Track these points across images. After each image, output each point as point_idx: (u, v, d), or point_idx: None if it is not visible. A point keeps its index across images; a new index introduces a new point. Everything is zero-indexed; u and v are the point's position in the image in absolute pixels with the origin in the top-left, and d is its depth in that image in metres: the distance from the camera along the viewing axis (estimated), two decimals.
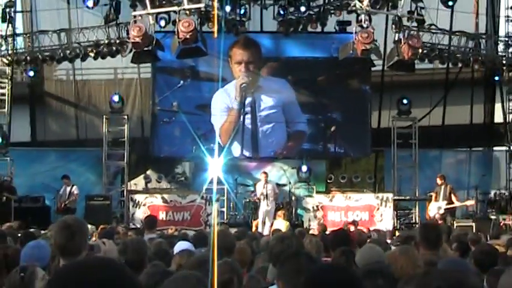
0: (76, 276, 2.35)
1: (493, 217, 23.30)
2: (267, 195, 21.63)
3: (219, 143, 23.81)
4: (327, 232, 14.84)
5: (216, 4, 22.07)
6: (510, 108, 26.29)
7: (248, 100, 24.71)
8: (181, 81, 24.66)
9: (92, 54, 23.58)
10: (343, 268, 3.54)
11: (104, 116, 24.57)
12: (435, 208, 21.94)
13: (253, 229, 20.51)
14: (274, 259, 6.51)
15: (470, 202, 23.71)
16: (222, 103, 24.81)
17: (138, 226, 18.81)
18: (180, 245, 8.34)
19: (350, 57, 20.98)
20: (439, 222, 21.25)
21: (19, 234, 10.31)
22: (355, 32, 20.30)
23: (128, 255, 6.36)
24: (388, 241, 13.37)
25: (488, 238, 15.00)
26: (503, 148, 27.07)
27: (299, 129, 25.45)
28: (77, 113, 27.28)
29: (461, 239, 13.31)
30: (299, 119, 25.38)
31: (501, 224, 22.29)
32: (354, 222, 20.51)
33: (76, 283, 2.33)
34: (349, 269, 3.45)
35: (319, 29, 24.63)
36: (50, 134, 27.15)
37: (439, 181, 22.28)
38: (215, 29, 21.99)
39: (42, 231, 11.05)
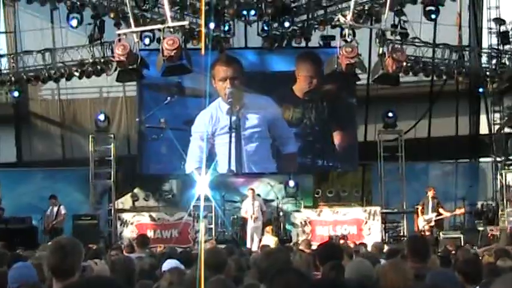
0: None
1: (480, 228, 23.35)
2: (254, 211, 21.63)
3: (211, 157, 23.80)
4: (314, 247, 14.82)
5: (202, 21, 22.13)
6: (495, 119, 26.36)
7: (233, 118, 24.65)
8: (169, 98, 24.55)
9: (77, 74, 23.58)
10: (335, 284, 3.52)
11: (90, 135, 24.45)
12: (423, 221, 22.01)
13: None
14: (261, 275, 6.49)
15: (460, 210, 23.80)
16: (206, 120, 24.71)
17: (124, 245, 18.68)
18: (168, 263, 8.31)
19: (335, 71, 21.00)
20: (426, 234, 21.35)
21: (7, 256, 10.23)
22: (340, 47, 20.34)
23: (116, 274, 6.33)
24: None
25: (476, 249, 15.07)
26: (489, 159, 27.16)
27: (290, 152, 25.32)
28: (63, 132, 27.25)
29: (448, 251, 13.40)
30: (287, 135, 25.32)
31: (489, 235, 22.35)
32: (344, 237, 20.53)
33: None
34: (341, 285, 3.43)
35: (303, 43, 24.72)
36: (36, 154, 27.08)
37: (430, 193, 22.35)
38: (203, 45, 22.03)
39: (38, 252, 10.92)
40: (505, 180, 25.13)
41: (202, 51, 21.50)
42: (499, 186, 25.60)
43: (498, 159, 26.06)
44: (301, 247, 15.23)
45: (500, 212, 23.84)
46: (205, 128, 24.49)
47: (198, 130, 24.63)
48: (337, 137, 25.41)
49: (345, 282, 5.02)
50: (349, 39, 20.35)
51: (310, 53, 25.37)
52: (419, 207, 22.45)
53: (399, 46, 21.96)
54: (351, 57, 19.90)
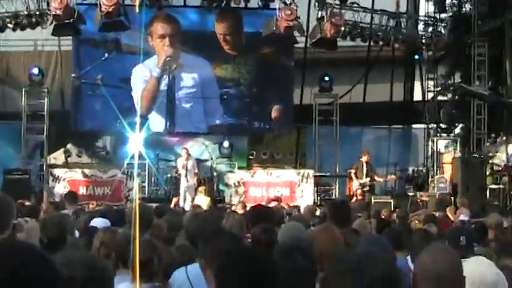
0: None
1: (410, 194, 23.74)
2: (187, 170, 21.59)
3: (141, 116, 23.58)
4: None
5: None
6: (429, 86, 26.77)
7: (169, 77, 24.48)
8: (106, 54, 24.19)
9: (11, 26, 23.08)
10: (260, 254, 3.52)
11: (23, 89, 24.06)
12: (358, 185, 22.27)
13: (172, 205, 20.39)
14: (190, 237, 6.52)
15: (392, 177, 24.20)
16: (142, 76, 24.52)
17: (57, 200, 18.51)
18: (96, 222, 8.25)
19: (274, 33, 21.00)
20: (359, 198, 21.65)
21: None
22: (279, 9, 20.33)
23: (47, 231, 6.27)
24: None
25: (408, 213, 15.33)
26: (422, 126, 27.60)
27: (217, 124, 25.39)
28: None
29: (379, 216, 13.61)
30: (215, 100, 25.24)
31: (418, 200, 22.75)
32: (277, 199, 20.66)
33: None
34: (265, 254, 3.43)
35: (242, 4, 24.59)
36: None
37: (364, 158, 22.58)
38: (137, 2, 21.73)
39: None
40: (436, 147, 25.62)
41: (137, 9, 21.22)
42: (430, 152, 26.09)
43: (430, 126, 26.50)
44: (237, 208, 15.34)
45: (430, 179, 24.25)
46: (141, 83, 24.37)
47: (136, 87, 24.44)
48: (272, 99, 25.49)
49: (279, 245, 5.06)
50: (288, 2, 20.37)
51: (226, 11, 25.15)
52: (353, 171, 22.69)
53: (338, 11, 22.05)
54: (290, 20, 19.96)
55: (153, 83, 24.43)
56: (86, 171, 22.51)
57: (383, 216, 13.52)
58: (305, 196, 22.40)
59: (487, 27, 24.34)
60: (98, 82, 23.97)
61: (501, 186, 23.50)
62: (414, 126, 29.08)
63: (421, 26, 26.03)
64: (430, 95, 26.71)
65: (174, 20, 24.86)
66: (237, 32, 25.22)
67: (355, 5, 24.05)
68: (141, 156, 21.61)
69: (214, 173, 23.76)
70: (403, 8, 26.81)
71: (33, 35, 25.08)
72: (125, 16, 20.52)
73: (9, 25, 23.04)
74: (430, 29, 25.58)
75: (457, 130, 26.05)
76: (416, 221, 12.73)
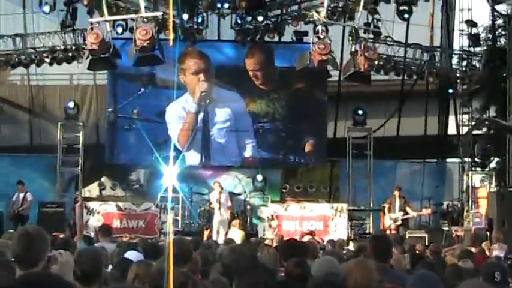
0: None
1: (445, 228, 23.54)
2: (221, 204, 21.60)
3: (176, 147, 23.72)
4: None
5: (172, 12, 22.04)
6: (463, 120, 26.60)
7: (204, 112, 24.65)
8: (143, 89, 24.46)
9: (48, 60, 23.40)
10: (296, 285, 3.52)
11: (59, 123, 24.33)
12: (390, 219, 22.13)
13: (204, 238, 20.40)
14: (226, 270, 6.51)
15: (427, 211, 23.99)
16: (176, 113, 24.67)
17: (91, 234, 18.57)
18: (129, 254, 8.27)
19: (307, 67, 21.03)
20: (393, 232, 21.48)
21: None
22: (312, 43, 20.37)
23: (82, 265, 6.29)
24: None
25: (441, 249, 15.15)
26: (456, 160, 27.41)
27: (249, 156, 25.42)
28: (31, 118, 26.97)
29: (414, 250, 13.49)
30: (248, 134, 25.33)
31: (453, 235, 22.53)
32: (311, 233, 20.58)
33: None
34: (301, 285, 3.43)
35: (276, 38, 24.76)
36: (3, 139, 26.77)
37: (396, 193, 22.46)
38: (171, 36, 21.92)
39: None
40: (471, 181, 25.35)
41: (171, 43, 21.41)
42: (464, 187, 25.83)
43: (465, 160, 26.29)
44: (271, 241, 15.32)
45: (465, 213, 24.01)
46: (177, 120, 24.54)
47: (172, 123, 24.61)
48: (306, 133, 25.51)
49: (312, 280, 5.04)
50: (322, 36, 20.39)
51: (256, 47, 25.35)
52: (386, 206, 22.58)
53: (371, 44, 22.07)
54: (324, 54, 19.94)
55: (191, 118, 24.59)
56: (120, 204, 22.61)
57: (417, 251, 13.40)
58: (338, 230, 22.31)
59: None
60: (134, 116, 24.19)
61: None
62: (448, 160, 28.89)
63: (455, 60, 25.99)
64: (465, 129, 26.53)
65: (204, 54, 25.04)
66: (268, 68, 25.35)
67: (389, 39, 24.09)
68: (174, 190, 21.65)
69: (248, 207, 23.70)
70: (437, 42, 26.80)
71: (69, 69, 25.40)
72: (160, 50, 20.67)
73: (46, 59, 23.37)
74: (465, 62, 25.54)
75: (493, 164, 25.78)
76: (450, 256, 12.57)
